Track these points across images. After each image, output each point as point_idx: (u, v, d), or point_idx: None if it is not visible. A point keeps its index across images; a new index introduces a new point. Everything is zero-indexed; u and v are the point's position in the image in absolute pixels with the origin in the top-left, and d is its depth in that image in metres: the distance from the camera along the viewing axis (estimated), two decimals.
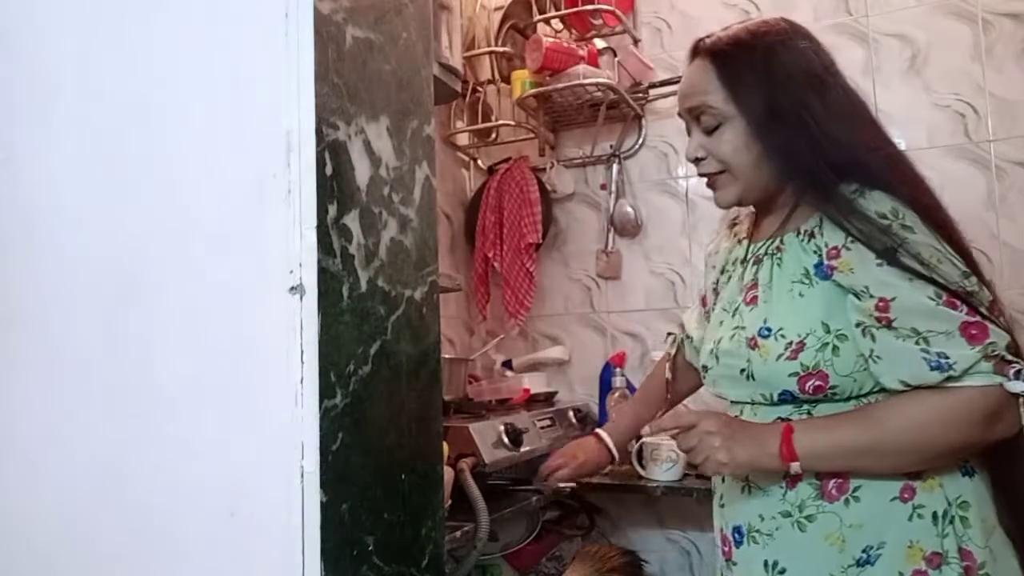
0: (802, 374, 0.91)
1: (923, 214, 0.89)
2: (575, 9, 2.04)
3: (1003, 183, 1.85)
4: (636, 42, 2.17)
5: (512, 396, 1.89)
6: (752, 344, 0.95)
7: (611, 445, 1.43)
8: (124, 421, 0.81)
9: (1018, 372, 0.84)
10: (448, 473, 1.25)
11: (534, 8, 2.09)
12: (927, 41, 1.93)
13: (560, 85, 2.00)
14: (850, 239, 0.89)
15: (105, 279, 0.83)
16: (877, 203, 0.89)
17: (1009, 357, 0.85)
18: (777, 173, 0.98)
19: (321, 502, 0.69)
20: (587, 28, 2.16)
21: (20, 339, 0.88)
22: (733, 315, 1.02)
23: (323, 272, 0.72)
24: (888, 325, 0.86)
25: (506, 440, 1.49)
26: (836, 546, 0.90)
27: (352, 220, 0.76)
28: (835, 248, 0.90)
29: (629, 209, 2.19)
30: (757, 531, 0.95)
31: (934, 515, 0.89)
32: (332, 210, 0.73)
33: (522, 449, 1.53)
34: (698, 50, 1.03)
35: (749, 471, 0.93)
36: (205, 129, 0.79)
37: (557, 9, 2.09)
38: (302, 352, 0.71)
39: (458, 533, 1.20)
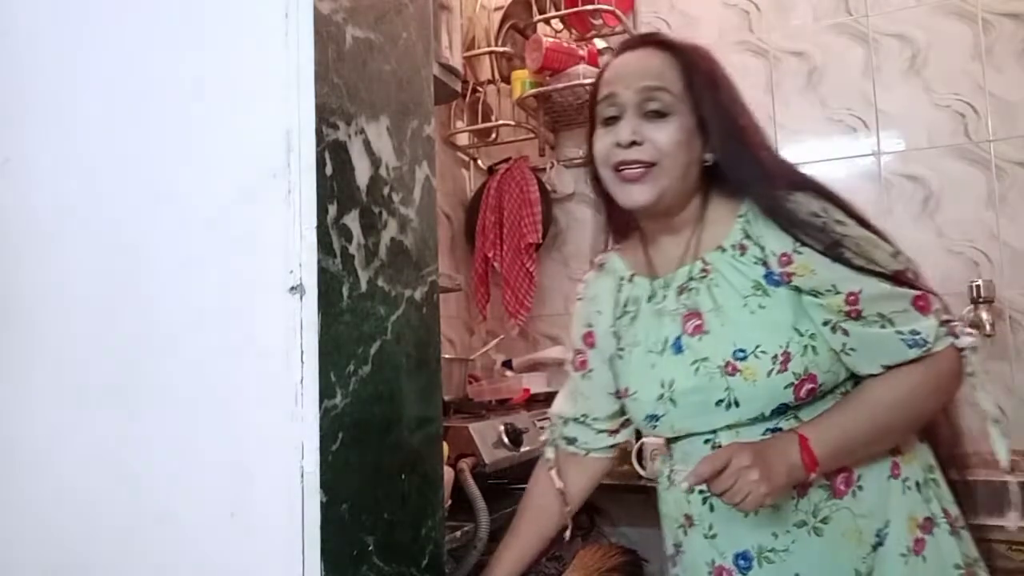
0: (796, 382, 0.90)
1: (841, 206, 0.93)
2: (575, 9, 2.04)
3: (1003, 183, 1.85)
4: None
5: (512, 396, 1.89)
6: (730, 370, 0.92)
7: None
8: (124, 421, 0.81)
9: (960, 330, 0.90)
10: (448, 473, 1.25)
11: (534, 8, 2.09)
12: (927, 41, 1.93)
13: (560, 85, 2.00)
14: (798, 243, 0.90)
15: (104, 280, 0.83)
16: (807, 204, 0.91)
17: (950, 317, 0.91)
18: (699, 180, 0.99)
19: (321, 502, 0.69)
20: (587, 28, 2.16)
21: (20, 340, 0.88)
22: (676, 352, 0.97)
23: (323, 272, 0.72)
24: (858, 316, 0.89)
25: (506, 440, 1.49)
26: (854, 540, 0.91)
27: (352, 220, 0.76)
28: (785, 254, 0.91)
29: None
30: (771, 550, 0.93)
31: (917, 484, 0.94)
32: (332, 210, 0.73)
33: (522, 449, 1.52)
34: (654, 41, 1.03)
35: (785, 493, 0.90)
36: (205, 129, 0.79)
37: (557, 9, 2.09)
38: (302, 352, 0.71)
39: (458, 533, 1.20)
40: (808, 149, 2.05)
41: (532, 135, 2.22)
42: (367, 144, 0.80)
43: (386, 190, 0.82)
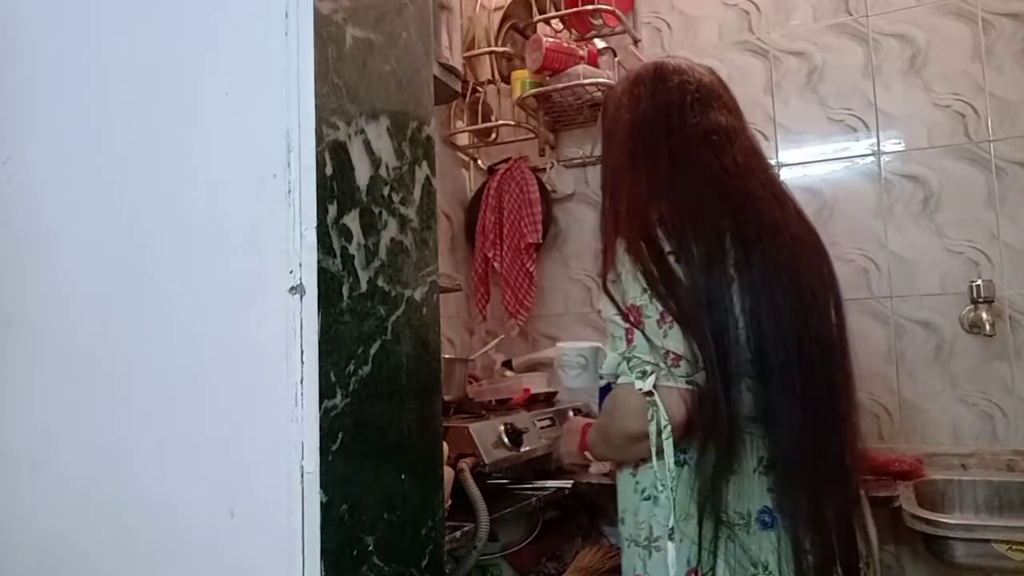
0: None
1: (639, 237, 1.03)
2: (575, 9, 2.04)
3: (1003, 183, 1.85)
4: (636, 42, 2.16)
5: (512, 396, 1.89)
6: None
7: None
8: (123, 421, 0.81)
9: (644, 372, 0.98)
10: (448, 473, 1.25)
11: (534, 8, 2.09)
12: (927, 41, 1.93)
13: (560, 85, 2.00)
14: None
15: (104, 279, 0.83)
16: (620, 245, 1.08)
17: (646, 359, 0.98)
18: None
19: (321, 502, 0.69)
20: (587, 28, 2.16)
21: (19, 339, 0.88)
22: None
23: (323, 272, 0.72)
24: (606, 332, 1.06)
25: (506, 440, 1.48)
26: (617, 504, 1.12)
27: (352, 220, 0.76)
28: None
29: None
30: None
31: (642, 491, 1.06)
32: (332, 210, 0.73)
33: (522, 449, 1.52)
34: None
35: (575, 460, 1.34)
36: (205, 129, 0.79)
37: (557, 9, 2.09)
38: (302, 352, 0.71)
39: (458, 533, 1.20)
40: (808, 149, 2.05)
41: (532, 135, 2.22)
42: (367, 144, 0.80)
43: (386, 190, 0.82)
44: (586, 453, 1.17)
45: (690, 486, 0.99)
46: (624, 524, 1.09)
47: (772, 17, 2.10)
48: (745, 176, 1.09)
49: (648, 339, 0.98)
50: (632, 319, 0.99)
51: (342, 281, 0.74)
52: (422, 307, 0.86)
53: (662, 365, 0.97)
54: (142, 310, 0.81)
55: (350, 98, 0.77)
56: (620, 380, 1.00)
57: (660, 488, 1.01)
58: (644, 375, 0.97)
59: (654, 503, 1.03)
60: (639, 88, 1.14)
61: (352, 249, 0.76)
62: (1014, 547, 1.37)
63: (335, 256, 0.73)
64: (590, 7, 2.00)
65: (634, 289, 1.00)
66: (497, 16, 2.16)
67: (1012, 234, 1.83)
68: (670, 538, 0.97)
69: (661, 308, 0.98)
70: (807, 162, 2.05)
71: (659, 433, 0.97)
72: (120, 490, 0.80)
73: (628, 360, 0.99)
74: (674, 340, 0.97)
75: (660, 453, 0.98)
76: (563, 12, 2.08)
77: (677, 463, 1.00)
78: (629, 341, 0.99)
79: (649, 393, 0.96)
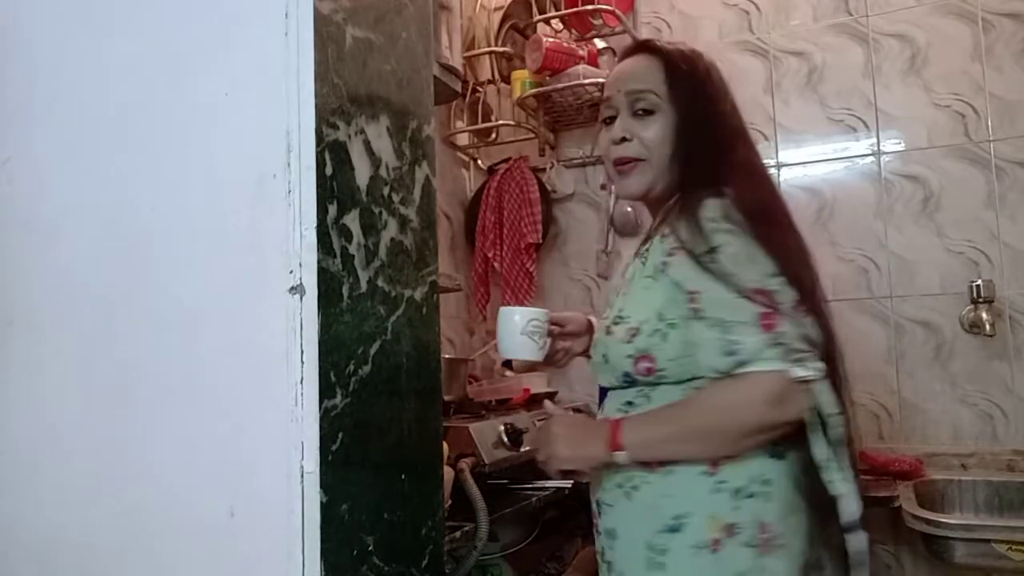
0: (636, 356, 0.99)
1: (755, 218, 0.96)
2: (575, 9, 2.04)
3: (1003, 183, 1.85)
4: None
5: (512, 396, 1.89)
6: (608, 331, 1.04)
7: None
8: (123, 421, 0.81)
9: (801, 360, 0.90)
10: (448, 473, 1.25)
11: (534, 8, 2.09)
12: (927, 41, 1.93)
13: (560, 85, 2.00)
14: (681, 242, 0.98)
15: (104, 280, 0.83)
16: (709, 209, 0.97)
17: (798, 346, 0.91)
18: (678, 175, 1.07)
19: (321, 502, 0.70)
20: (587, 28, 2.16)
21: (20, 339, 0.88)
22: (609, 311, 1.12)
23: (323, 272, 0.72)
24: (698, 316, 0.95)
25: (506, 440, 1.49)
26: (653, 512, 0.99)
27: (352, 220, 0.76)
28: (673, 248, 0.99)
29: (629, 209, 2.19)
30: (605, 503, 1.06)
31: (736, 490, 0.96)
32: (332, 210, 0.73)
33: (522, 449, 1.52)
34: (646, 47, 1.14)
35: (588, 464, 1.05)
36: (205, 129, 0.79)
37: (557, 9, 2.09)
38: (302, 352, 0.71)
39: (458, 533, 1.20)
40: (808, 149, 2.05)
41: (532, 135, 2.22)
42: (367, 144, 0.80)
43: (386, 190, 0.82)
44: (617, 453, 0.98)
45: (792, 479, 0.97)
46: (682, 532, 0.97)
47: (772, 17, 2.10)
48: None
49: (793, 325, 0.92)
50: (767, 302, 0.92)
51: (342, 281, 0.74)
52: (422, 307, 0.87)
53: (813, 352, 0.92)
54: (142, 310, 0.81)
55: (350, 98, 0.77)
56: (751, 367, 0.92)
57: (766, 483, 0.96)
58: (801, 362, 0.91)
59: (766, 500, 0.96)
60: (719, 72, 1.15)
61: (352, 249, 0.76)
62: (1014, 547, 1.37)
63: (335, 256, 0.73)
64: (590, 7, 2.00)
65: (754, 271, 0.94)
66: (497, 16, 2.16)
67: (1012, 234, 1.83)
68: (779, 539, 0.95)
69: (796, 294, 0.93)
70: (807, 162, 2.05)
71: (817, 423, 0.93)
72: (120, 491, 0.80)
73: (780, 345, 0.91)
74: (812, 328, 0.93)
75: (776, 445, 0.96)
76: (563, 12, 2.08)
77: (775, 456, 0.97)
78: (769, 326, 0.91)
79: (804, 381, 0.91)
